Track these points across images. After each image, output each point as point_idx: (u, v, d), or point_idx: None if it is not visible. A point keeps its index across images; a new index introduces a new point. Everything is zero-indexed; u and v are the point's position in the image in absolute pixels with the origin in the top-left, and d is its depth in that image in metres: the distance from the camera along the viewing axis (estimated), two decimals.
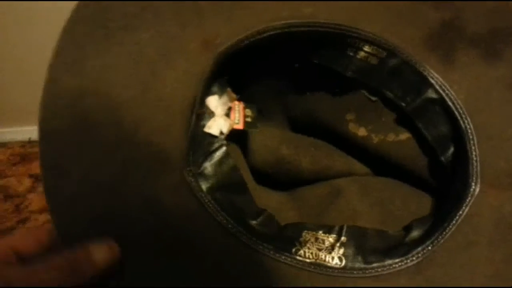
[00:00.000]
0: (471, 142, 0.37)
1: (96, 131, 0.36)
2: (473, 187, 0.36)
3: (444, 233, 0.35)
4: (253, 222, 0.38)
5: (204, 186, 0.36)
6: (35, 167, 1.15)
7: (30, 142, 1.24)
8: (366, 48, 0.39)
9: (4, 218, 1.05)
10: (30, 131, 1.24)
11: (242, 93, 0.43)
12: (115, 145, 0.36)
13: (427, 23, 0.39)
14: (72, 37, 0.36)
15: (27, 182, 1.14)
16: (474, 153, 0.37)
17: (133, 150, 0.36)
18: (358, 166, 0.45)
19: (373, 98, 0.42)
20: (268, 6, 0.38)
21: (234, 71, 0.40)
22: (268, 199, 0.44)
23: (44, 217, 1.05)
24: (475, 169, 0.36)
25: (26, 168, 1.18)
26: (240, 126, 0.41)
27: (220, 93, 0.40)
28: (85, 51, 0.36)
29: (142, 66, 0.36)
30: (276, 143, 0.45)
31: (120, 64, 0.36)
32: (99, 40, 0.36)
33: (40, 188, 1.12)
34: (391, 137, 0.43)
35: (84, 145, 0.35)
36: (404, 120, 0.42)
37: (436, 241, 0.35)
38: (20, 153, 1.23)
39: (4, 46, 1.11)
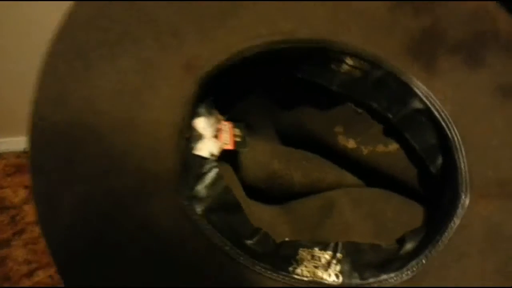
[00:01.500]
0: (459, 151, 0.37)
1: (86, 162, 0.36)
2: (463, 197, 0.36)
3: (437, 245, 0.36)
4: (249, 242, 0.38)
5: (198, 208, 0.37)
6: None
7: (25, 152, 1.23)
8: (349, 61, 0.39)
9: None
10: (25, 142, 1.23)
11: (231, 110, 0.43)
12: (106, 174, 0.36)
13: (408, 32, 0.39)
14: (53, 70, 0.36)
15: (23, 193, 1.13)
16: (462, 162, 0.37)
17: (124, 178, 0.36)
18: (349, 178, 0.46)
19: (360, 110, 0.42)
20: (247, 24, 0.38)
21: (220, 90, 0.40)
22: (261, 214, 0.44)
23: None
24: (464, 179, 0.37)
25: (22, 179, 1.17)
26: (229, 146, 0.41)
27: (207, 115, 0.40)
28: (67, 84, 0.36)
29: (126, 94, 0.36)
30: (267, 158, 0.45)
31: (103, 94, 0.36)
32: (80, 71, 0.36)
33: None
34: (380, 148, 0.43)
35: (75, 177, 0.36)
36: (392, 131, 0.42)
37: (429, 254, 0.36)
38: (15, 164, 1.22)
39: None
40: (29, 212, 1.09)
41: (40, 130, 0.35)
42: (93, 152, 0.36)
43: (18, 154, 1.24)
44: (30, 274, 0.95)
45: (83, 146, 0.36)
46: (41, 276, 0.95)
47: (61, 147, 0.36)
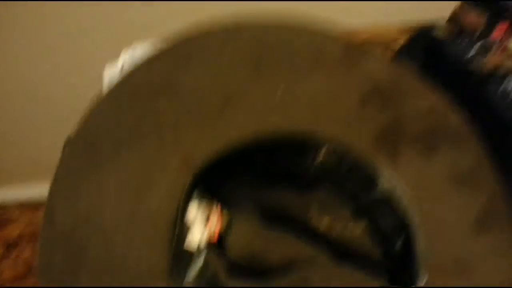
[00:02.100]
0: (419, 231, 0.42)
1: (89, 262, 0.39)
2: (422, 274, 0.41)
3: None
4: None
5: None
6: (8, 234, 1.15)
7: (1, 208, 1.23)
8: (324, 151, 0.45)
9: None
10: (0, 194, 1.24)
11: (219, 190, 0.48)
12: (106, 273, 0.39)
13: (375, 124, 0.45)
14: (66, 169, 0.40)
15: (0, 249, 1.14)
16: (422, 241, 0.42)
17: (124, 275, 0.39)
18: (322, 256, 0.50)
19: (333, 193, 0.48)
20: (239, 117, 0.44)
21: (210, 175, 0.45)
22: None
23: (17, 285, 1.06)
24: (423, 257, 0.42)
25: None
26: (217, 230, 0.45)
27: (199, 201, 0.44)
28: (77, 183, 0.40)
29: (128, 189, 0.41)
30: (248, 239, 0.49)
31: (108, 191, 0.40)
32: (89, 170, 0.40)
33: (13, 255, 1.13)
34: (350, 227, 0.48)
35: (79, 277, 0.39)
36: (361, 212, 0.47)
37: None
38: None
39: None
40: (6, 269, 1.09)
41: (49, 231, 0.39)
42: (96, 252, 0.39)
43: None
44: None
45: (87, 245, 0.39)
46: None
47: (67, 245, 0.39)
